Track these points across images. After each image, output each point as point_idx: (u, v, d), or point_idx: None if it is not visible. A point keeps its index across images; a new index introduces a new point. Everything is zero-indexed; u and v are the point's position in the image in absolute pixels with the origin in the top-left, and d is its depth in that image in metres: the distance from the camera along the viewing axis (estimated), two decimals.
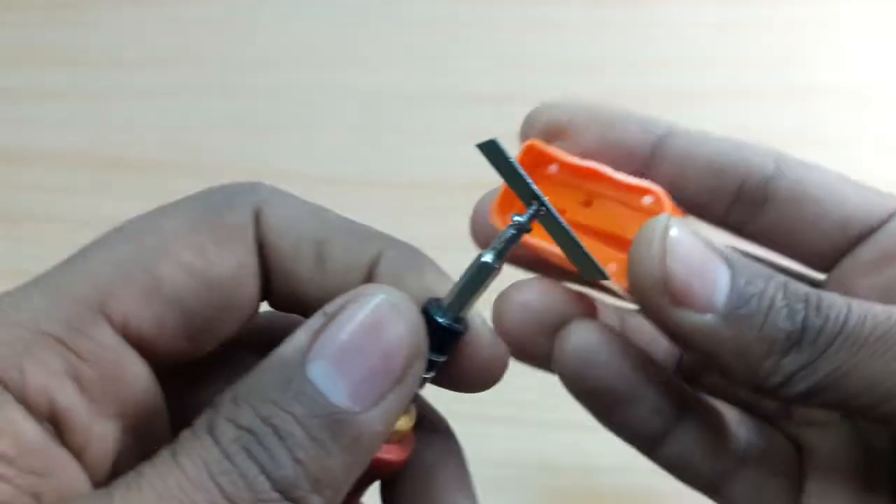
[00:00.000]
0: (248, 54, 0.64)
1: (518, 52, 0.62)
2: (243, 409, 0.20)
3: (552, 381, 0.28)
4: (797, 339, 0.23)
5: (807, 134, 0.56)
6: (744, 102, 0.58)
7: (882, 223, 0.28)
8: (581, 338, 0.26)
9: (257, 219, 0.24)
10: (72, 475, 0.22)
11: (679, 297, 0.23)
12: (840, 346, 0.23)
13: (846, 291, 0.27)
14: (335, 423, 0.20)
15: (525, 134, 0.29)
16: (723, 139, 0.29)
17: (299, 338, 0.21)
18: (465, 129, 0.57)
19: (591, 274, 0.25)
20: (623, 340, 0.27)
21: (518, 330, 0.26)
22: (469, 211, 0.29)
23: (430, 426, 0.27)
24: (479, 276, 0.23)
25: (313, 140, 0.59)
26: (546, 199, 0.24)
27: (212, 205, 0.24)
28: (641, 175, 0.27)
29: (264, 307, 0.26)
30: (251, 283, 0.24)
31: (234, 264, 0.24)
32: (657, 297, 0.24)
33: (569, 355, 0.26)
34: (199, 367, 0.25)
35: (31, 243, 0.55)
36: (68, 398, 0.22)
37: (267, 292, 0.25)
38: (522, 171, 0.24)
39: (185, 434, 0.21)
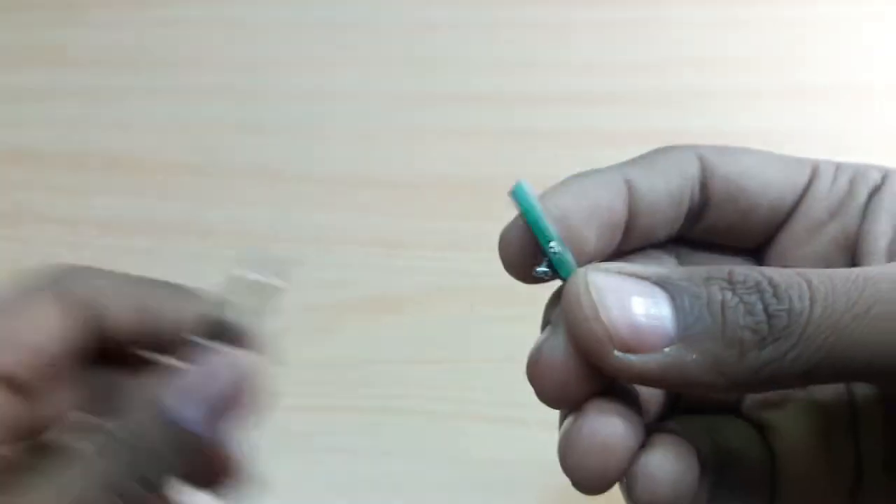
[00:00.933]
0: (248, 54, 0.64)
1: (518, 52, 0.62)
2: None
3: None
4: (766, 331, 0.22)
5: (807, 134, 0.56)
6: (744, 102, 0.58)
7: (804, 191, 0.28)
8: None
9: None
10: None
11: (632, 346, 0.23)
12: (819, 323, 0.22)
13: (785, 265, 0.26)
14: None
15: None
16: (667, 166, 0.28)
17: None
18: (465, 129, 0.57)
19: None
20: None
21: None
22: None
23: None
24: None
25: (313, 140, 0.59)
26: (563, 246, 0.24)
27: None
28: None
29: None
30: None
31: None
32: (610, 354, 0.23)
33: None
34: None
35: (31, 243, 0.55)
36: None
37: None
38: (544, 218, 0.24)
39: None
